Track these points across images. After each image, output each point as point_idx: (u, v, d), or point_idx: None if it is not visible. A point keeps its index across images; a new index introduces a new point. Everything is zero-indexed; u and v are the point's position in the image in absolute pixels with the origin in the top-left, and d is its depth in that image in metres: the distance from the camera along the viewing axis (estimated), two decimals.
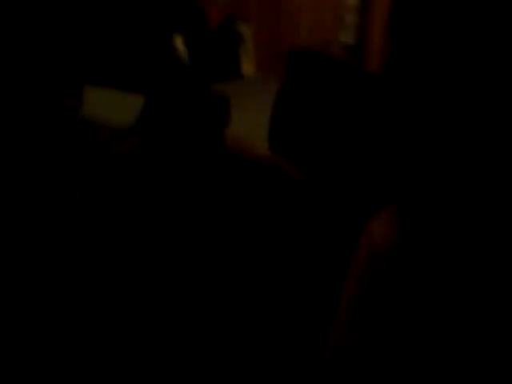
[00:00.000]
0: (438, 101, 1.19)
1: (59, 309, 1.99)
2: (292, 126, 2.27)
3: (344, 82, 2.17)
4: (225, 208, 1.93)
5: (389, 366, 1.19)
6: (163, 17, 5.34)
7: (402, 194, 1.23)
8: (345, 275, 1.27)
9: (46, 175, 2.67)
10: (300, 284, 1.98)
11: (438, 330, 1.17)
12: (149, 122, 2.03)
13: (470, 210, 1.18)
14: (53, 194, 2.56)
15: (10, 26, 3.33)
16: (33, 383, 1.70)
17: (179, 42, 4.84)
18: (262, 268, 1.94)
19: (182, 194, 1.95)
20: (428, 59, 1.22)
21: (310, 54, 2.35)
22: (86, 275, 1.98)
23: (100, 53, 4.40)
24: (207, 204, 1.94)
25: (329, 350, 1.27)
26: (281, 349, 1.90)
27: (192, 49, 5.16)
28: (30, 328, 1.88)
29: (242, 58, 6.27)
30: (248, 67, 6.36)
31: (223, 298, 1.92)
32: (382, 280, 1.17)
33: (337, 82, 2.18)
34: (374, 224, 1.25)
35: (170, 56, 4.86)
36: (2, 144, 2.75)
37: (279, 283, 1.96)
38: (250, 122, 4.40)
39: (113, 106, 3.62)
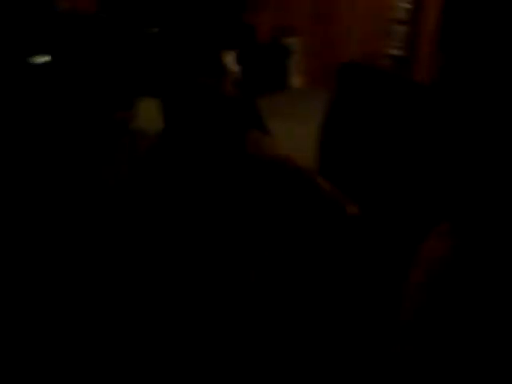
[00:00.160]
0: (494, 112, 1.18)
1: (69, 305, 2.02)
2: (342, 140, 2.25)
3: (397, 95, 2.14)
4: (241, 205, 1.94)
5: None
6: (213, 33, 5.42)
7: (457, 211, 1.22)
8: (401, 290, 1.27)
9: (94, 174, 2.81)
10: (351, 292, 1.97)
11: (494, 338, 1.16)
12: (169, 122, 2.09)
13: None
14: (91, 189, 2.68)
15: (72, 48, 3.44)
16: (33, 383, 1.70)
17: (229, 59, 4.89)
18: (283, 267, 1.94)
19: (199, 192, 1.96)
20: (481, 69, 1.20)
21: (361, 67, 2.33)
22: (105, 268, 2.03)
23: (152, 66, 4.47)
24: (225, 201, 1.95)
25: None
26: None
27: (243, 64, 5.22)
28: (34, 326, 1.90)
29: (290, 71, 6.30)
30: (296, 79, 6.39)
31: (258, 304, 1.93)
32: (439, 294, 1.17)
33: (389, 95, 2.14)
34: (431, 240, 1.25)
35: (219, 72, 4.91)
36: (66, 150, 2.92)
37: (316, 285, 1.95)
38: (295, 134, 4.42)
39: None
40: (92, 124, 3.20)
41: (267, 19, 6.15)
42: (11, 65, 3.14)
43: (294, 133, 4.49)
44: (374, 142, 2.16)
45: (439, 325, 1.19)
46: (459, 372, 1.18)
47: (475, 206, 1.25)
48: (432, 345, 1.19)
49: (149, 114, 3.55)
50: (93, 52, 3.57)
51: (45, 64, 3.24)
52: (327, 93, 2.78)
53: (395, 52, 5.92)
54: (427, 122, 2.03)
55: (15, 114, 3.04)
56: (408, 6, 5.90)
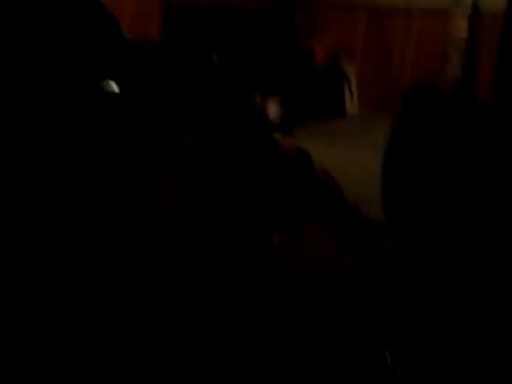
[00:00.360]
0: None
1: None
2: (409, 167, 2.23)
3: (467, 120, 2.13)
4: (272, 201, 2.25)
5: None
6: (271, 60, 5.51)
7: None
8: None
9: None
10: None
11: None
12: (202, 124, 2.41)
13: None
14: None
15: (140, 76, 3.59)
16: (33, 383, 1.69)
17: (272, 107, 4.99)
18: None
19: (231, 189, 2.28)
20: None
21: (427, 93, 2.33)
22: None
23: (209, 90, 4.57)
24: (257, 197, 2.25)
25: None
26: None
27: (286, 107, 5.38)
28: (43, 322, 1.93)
29: (346, 96, 6.33)
30: (352, 105, 6.42)
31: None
32: None
33: (459, 121, 2.14)
34: None
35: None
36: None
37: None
38: (351, 159, 4.43)
39: None
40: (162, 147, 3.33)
41: (323, 45, 6.23)
42: (85, 92, 3.26)
43: (354, 158, 4.53)
44: (443, 169, 2.15)
45: None
46: None
47: None
48: None
49: None
50: (161, 78, 3.69)
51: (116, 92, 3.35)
52: (384, 118, 2.78)
53: (453, 71, 5.90)
54: (502, 145, 2.01)
55: (89, 141, 3.17)
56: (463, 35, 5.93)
